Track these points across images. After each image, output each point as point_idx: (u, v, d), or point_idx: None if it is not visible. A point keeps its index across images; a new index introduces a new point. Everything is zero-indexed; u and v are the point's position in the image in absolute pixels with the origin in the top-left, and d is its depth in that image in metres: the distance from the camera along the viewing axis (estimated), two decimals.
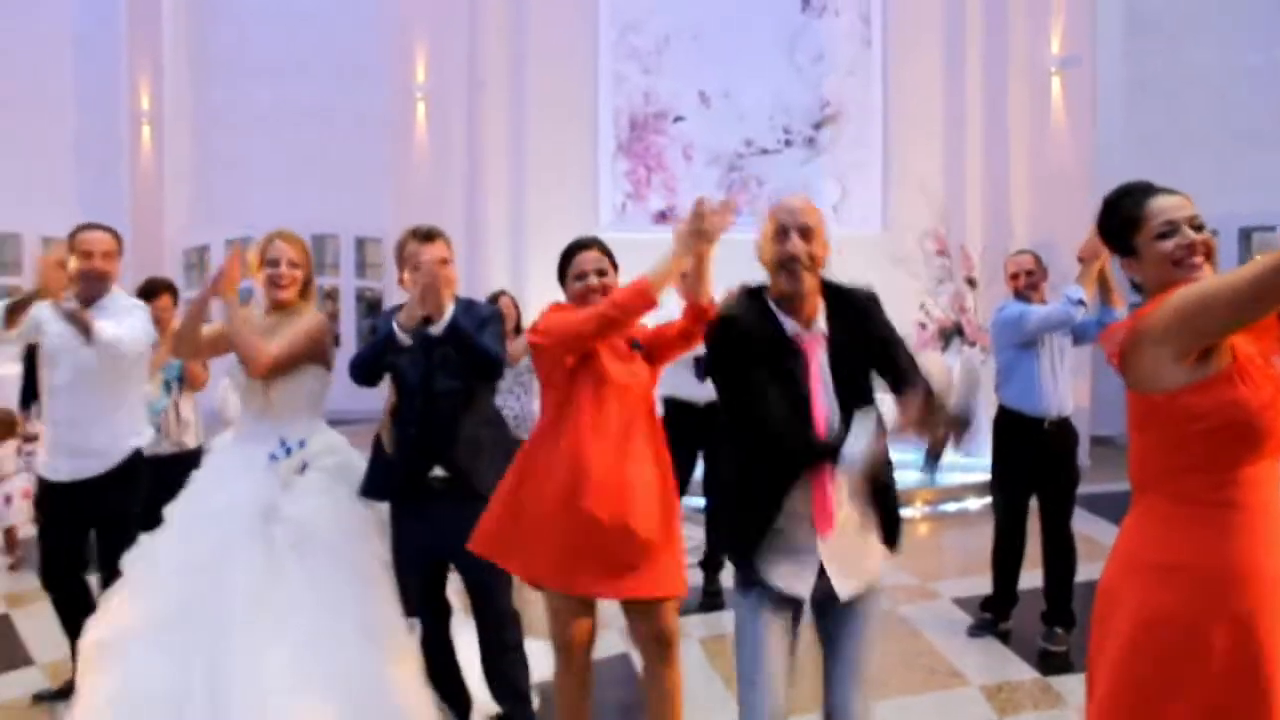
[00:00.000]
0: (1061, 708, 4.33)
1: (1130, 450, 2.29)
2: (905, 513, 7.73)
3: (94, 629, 3.54)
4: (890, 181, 11.37)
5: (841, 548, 2.74)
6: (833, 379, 2.72)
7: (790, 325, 2.73)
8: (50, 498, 4.36)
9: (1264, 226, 11.82)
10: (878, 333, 2.80)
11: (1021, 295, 5.19)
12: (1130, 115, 11.60)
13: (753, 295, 2.79)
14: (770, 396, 2.64)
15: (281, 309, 3.81)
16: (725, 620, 5.26)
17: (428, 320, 3.49)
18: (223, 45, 12.82)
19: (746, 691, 2.74)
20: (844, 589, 2.76)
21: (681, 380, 5.43)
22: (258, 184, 12.32)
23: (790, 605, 2.77)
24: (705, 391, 5.42)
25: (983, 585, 6.05)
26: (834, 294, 2.81)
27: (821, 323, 2.76)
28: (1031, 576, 6.15)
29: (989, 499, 8.35)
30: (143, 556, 3.61)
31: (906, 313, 9.71)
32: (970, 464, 9.09)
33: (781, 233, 2.72)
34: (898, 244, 10.13)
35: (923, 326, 9.55)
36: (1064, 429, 5.12)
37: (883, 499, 2.79)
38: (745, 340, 2.71)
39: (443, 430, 3.58)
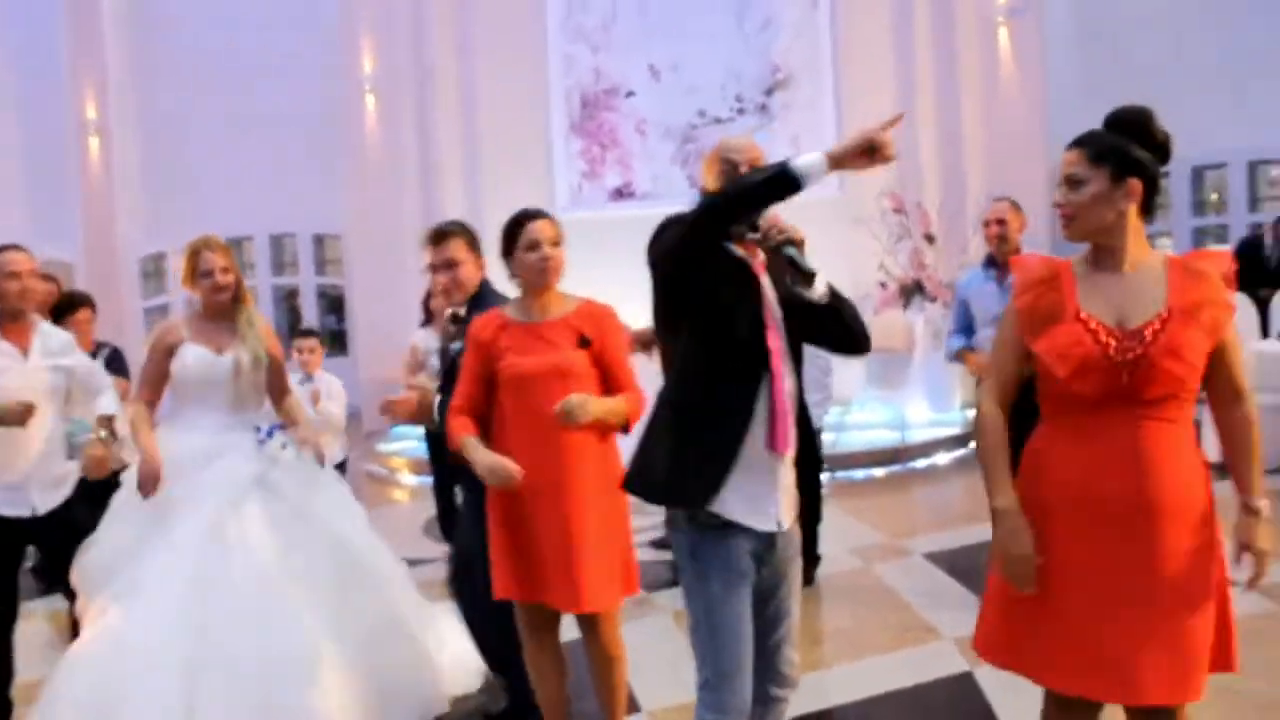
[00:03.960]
0: None
1: None
2: (874, 472, 7.88)
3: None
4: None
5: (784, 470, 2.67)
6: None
7: (739, 251, 2.70)
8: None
9: (1216, 164, 11.90)
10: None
11: (993, 249, 4.95)
12: (1081, 62, 11.61)
13: None
14: (739, 310, 2.63)
15: (222, 312, 3.95)
16: None
17: None
18: (166, 52, 12.62)
19: (720, 689, 2.54)
20: (786, 517, 2.67)
21: None
22: (211, 188, 12.18)
23: (753, 559, 2.61)
24: None
25: (954, 539, 6.07)
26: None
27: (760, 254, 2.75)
28: None
29: (958, 453, 8.44)
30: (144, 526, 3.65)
31: (867, 273, 9.70)
32: (940, 419, 9.14)
33: (733, 170, 2.77)
34: (856, 205, 10.09)
35: (883, 286, 9.55)
36: None
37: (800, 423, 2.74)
38: (714, 257, 2.64)
39: None
